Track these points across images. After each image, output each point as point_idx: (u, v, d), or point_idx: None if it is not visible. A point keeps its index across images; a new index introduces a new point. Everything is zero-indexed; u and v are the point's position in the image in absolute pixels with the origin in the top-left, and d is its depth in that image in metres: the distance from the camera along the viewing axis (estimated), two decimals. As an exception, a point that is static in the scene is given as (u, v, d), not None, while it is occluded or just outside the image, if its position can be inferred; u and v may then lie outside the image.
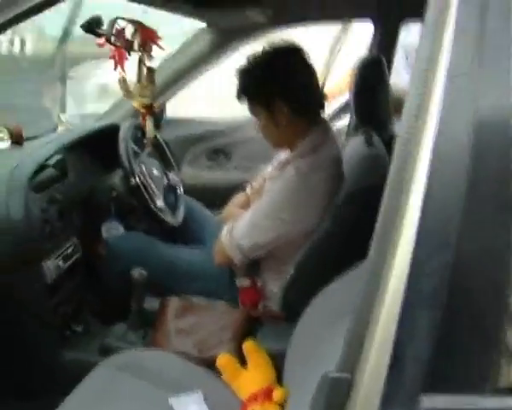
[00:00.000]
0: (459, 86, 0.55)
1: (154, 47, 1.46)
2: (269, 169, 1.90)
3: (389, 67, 1.82)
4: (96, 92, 4.04)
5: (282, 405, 1.21)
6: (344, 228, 1.55)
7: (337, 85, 2.77)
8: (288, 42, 1.66)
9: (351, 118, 2.14)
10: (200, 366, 1.38)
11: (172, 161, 2.09)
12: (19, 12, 0.89)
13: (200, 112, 3.67)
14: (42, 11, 0.98)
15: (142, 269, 1.57)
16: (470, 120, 0.55)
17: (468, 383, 0.55)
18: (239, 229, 1.61)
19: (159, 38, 1.42)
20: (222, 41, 1.93)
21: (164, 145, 2.06)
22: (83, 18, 1.44)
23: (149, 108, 1.47)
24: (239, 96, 1.65)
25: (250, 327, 1.57)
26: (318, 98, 1.65)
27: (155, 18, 1.73)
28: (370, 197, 1.54)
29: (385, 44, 1.83)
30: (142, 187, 1.74)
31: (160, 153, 2.04)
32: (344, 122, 2.28)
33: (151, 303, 1.68)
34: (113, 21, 1.29)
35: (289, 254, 1.62)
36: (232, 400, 1.31)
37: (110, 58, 1.41)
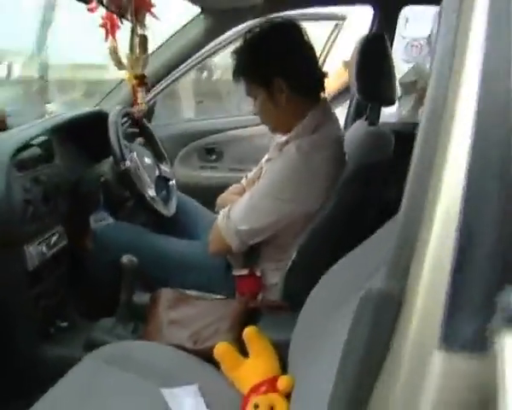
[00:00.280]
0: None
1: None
2: (265, 157, 1.82)
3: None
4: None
5: (287, 394, 1.09)
6: (348, 207, 1.47)
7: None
8: (285, 18, 1.59)
9: (350, 103, 2.08)
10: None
11: (164, 152, 1.99)
12: None
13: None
14: None
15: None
16: None
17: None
18: (237, 213, 1.51)
19: (153, 5, 1.33)
20: (217, 26, 1.86)
21: (155, 136, 1.96)
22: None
23: (141, 79, 1.38)
24: (235, 77, 1.57)
25: (249, 317, 1.45)
26: (318, 77, 1.57)
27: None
28: (375, 174, 1.48)
29: (384, 30, 1.78)
30: (133, 174, 1.63)
31: (152, 144, 1.94)
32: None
33: (141, 297, 1.56)
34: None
35: (289, 241, 1.53)
36: (231, 392, 1.20)
37: (101, 27, 1.32)
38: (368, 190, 1.48)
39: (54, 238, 1.51)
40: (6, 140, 1.44)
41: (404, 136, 1.79)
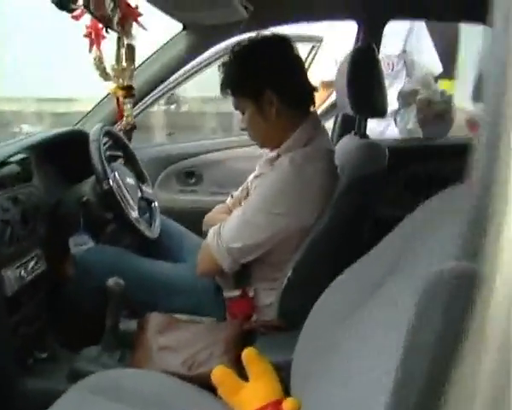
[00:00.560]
0: None
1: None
2: (251, 177, 1.78)
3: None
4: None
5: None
6: (343, 221, 1.43)
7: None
8: (273, 32, 1.57)
9: (336, 119, 2.07)
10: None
11: (146, 173, 1.92)
12: None
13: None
14: None
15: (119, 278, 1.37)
16: None
17: None
18: (228, 230, 1.45)
19: (140, 14, 1.29)
20: (200, 42, 1.83)
21: (136, 156, 1.89)
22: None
23: (128, 90, 1.32)
24: (223, 90, 1.53)
25: (244, 339, 1.38)
26: (308, 89, 1.55)
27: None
28: (370, 186, 1.45)
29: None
30: (116, 194, 1.55)
31: (133, 164, 1.87)
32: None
33: (127, 323, 1.47)
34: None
35: (284, 258, 1.47)
36: (231, 419, 1.11)
37: (85, 36, 1.26)
38: (363, 201, 1.46)
39: (32, 262, 1.41)
40: (-18, 158, 1.35)
41: (398, 148, 1.78)
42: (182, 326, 1.43)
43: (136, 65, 2.00)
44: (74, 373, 1.33)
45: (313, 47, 2.51)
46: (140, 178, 1.86)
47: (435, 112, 2.24)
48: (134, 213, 1.64)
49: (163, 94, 2.12)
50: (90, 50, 1.27)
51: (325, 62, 2.47)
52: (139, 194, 1.79)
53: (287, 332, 1.47)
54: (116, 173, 1.63)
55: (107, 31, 1.26)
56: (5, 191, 1.34)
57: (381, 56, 2.61)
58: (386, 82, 1.68)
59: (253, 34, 1.56)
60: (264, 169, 1.56)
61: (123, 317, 1.46)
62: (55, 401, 1.09)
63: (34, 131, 1.86)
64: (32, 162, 1.51)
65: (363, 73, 1.48)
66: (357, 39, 1.99)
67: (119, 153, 1.84)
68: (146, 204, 1.84)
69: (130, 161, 1.86)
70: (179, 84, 2.11)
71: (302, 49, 2.52)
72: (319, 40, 2.46)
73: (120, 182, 1.63)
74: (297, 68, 1.53)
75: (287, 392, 1.11)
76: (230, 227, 1.44)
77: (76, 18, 1.22)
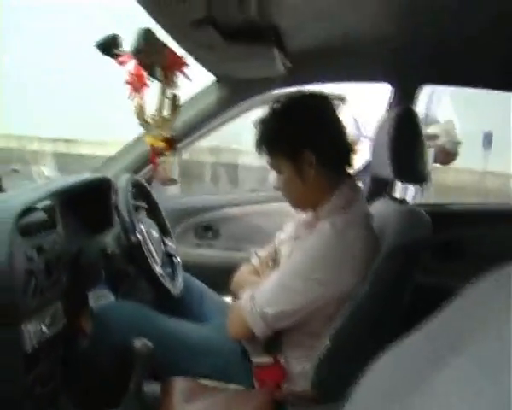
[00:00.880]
0: None
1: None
2: (279, 237, 1.71)
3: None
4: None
5: None
6: (384, 288, 1.36)
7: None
8: (312, 90, 1.54)
9: (365, 181, 2.03)
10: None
11: (169, 227, 1.85)
12: None
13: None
14: None
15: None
16: None
17: None
18: (263, 294, 1.36)
19: (186, 64, 1.25)
20: (232, 96, 1.80)
21: (160, 209, 1.83)
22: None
23: (171, 143, 1.26)
24: (259, 148, 1.47)
25: (276, 411, 1.28)
26: (347, 151, 1.50)
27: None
28: (412, 253, 1.39)
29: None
30: (143, 247, 1.48)
31: (157, 217, 1.80)
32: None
33: (150, 386, 1.36)
34: (144, 33, 1.11)
35: (320, 325, 1.38)
36: None
37: (127, 83, 1.22)
38: (405, 269, 1.38)
39: (53, 316, 1.31)
40: (8, 202, 1.28)
41: (438, 214, 1.73)
42: (209, 394, 1.33)
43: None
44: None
45: (337, 106, 2.50)
46: (163, 231, 1.79)
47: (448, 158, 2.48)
48: (158, 268, 1.56)
49: (188, 144, 2.07)
50: (131, 97, 1.22)
51: (347, 121, 2.45)
52: (162, 248, 1.72)
53: (321, 405, 1.37)
54: (142, 226, 1.56)
55: (150, 78, 1.22)
56: (30, 239, 1.26)
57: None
58: None
59: (287, 91, 1.53)
60: (300, 232, 1.49)
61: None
62: None
63: (55, 176, 1.79)
64: (57, 209, 1.44)
65: (406, 137, 1.44)
66: (391, 102, 1.97)
67: (143, 203, 1.77)
68: (169, 259, 1.76)
69: (154, 213, 1.79)
70: (205, 134, 2.06)
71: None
72: (343, 99, 2.45)
73: (146, 235, 1.55)
74: (337, 128, 1.48)
75: None
76: (266, 291, 1.36)
77: (122, 63, 1.19)
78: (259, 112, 2.16)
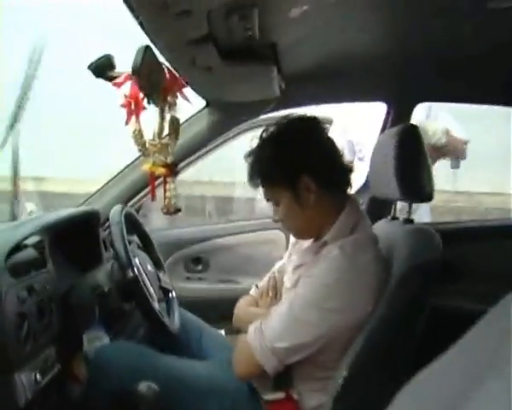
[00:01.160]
0: None
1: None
2: (277, 265, 1.64)
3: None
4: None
5: None
6: (400, 313, 1.29)
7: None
8: (300, 114, 1.48)
9: (364, 201, 1.98)
10: None
11: (161, 260, 1.76)
12: None
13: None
14: None
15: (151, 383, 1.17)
16: None
17: None
18: (272, 328, 1.27)
19: (185, 86, 1.19)
20: (223, 120, 1.74)
21: (153, 242, 1.73)
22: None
23: (171, 168, 1.18)
24: (252, 181, 1.39)
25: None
26: (345, 171, 1.44)
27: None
28: (427, 275, 1.33)
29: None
30: (140, 283, 1.38)
31: (149, 250, 1.71)
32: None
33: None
34: (144, 51, 1.04)
35: (334, 356, 1.30)
36: None
37: (122, 107, 1.15)
38: (420, 291, 1.32)
39: (46, 362, 1.20)
40: (-4, 240, 1.17)
41: (449, 233, 1.68)
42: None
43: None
44: None
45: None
46: (156, 264, 1.69)
47: (439, 153, 2.43)
48: (156, 304, 1.46)
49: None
50: (128, 122, 1.14)
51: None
52: (157, 282, 1.62)
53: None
54: (137, 259, 1.46)
55: (148, 102, 1.15)
56: (21, 279, 1.15)
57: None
58: None
59: (275, 116, 1.47)
60: (305, 259, 1.40)
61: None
62: None
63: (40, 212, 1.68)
64: (46, 246, 1.33)
65: (411, 154, 1.40)
66: (386, 121, 1.94)
67: (135, 236, 1.68)
68: (164, 294, 1.66)
69: (147, 246, 1.69)
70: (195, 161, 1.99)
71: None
72: (330, 122, 2.42)
73: (141, 269, 1.46)
74: (331, 149, 1.42)
75: None
76: (275, 325, 1.27)
77: (118, 85, 1.11)
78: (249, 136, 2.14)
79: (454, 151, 2.49)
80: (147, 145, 1.16)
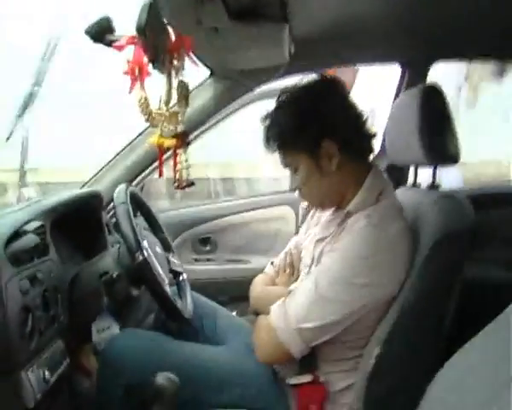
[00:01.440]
0: None
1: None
2: (293, 240, 1.54)
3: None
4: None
5: None
6: (433, 285, 1.20)
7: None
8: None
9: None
10: None
11: (170, 241, 1.66)
12: None
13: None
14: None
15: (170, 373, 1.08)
16: None
17: None
18: (298, 308, 1.17)
19: (193, 47, 1.07)
20: (229, 90, 1.63)
21: (160, 223, 1.63)
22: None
23: (182, 138, 1.07)
24: (269, 145, 1.28)
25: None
26: (369, 136, 1.33)
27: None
28: (460, 244, 1.23)
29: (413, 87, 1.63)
30: (150, 267, 1.28)
31: (157, 231, 1.60)
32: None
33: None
34: (148, 8, 0.93)
35: (361, 335, 1.22)
36: None
37: (125, 74, 1.03)
38: (453, 261, 1.23)
39: (55, 357, 1.11)
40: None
41: (480, 199, 1.59)
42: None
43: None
44: None
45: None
46: (165, 246, 1.59)
47: None
48: (168, 288, 1.36)
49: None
50: (131, 90, 1.03)
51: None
52: (167, 265, 1.52)
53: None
54: (145, 242, 1.36)
55: (153, 66, 1.03)
56: (22, 268, 1.05)
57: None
58: None
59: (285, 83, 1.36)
60: (328, 232, 1.30)
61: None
62: None
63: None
64: (47, 231, 1.23)
65: (435, 115, 1.29)
66: (401, 83, 1.83)
67: (138, 218, 1.57)
68: (174, 277, 1.56)
69: (154, 228, 1.59)
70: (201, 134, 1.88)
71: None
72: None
73: (150, 252, 1.36)
74: (355, 113, 1.31)
75: None
76: (300, 304, 1.18)
77: (119, 48, 1.00)
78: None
79: None
80: (153, 115, 1.04)
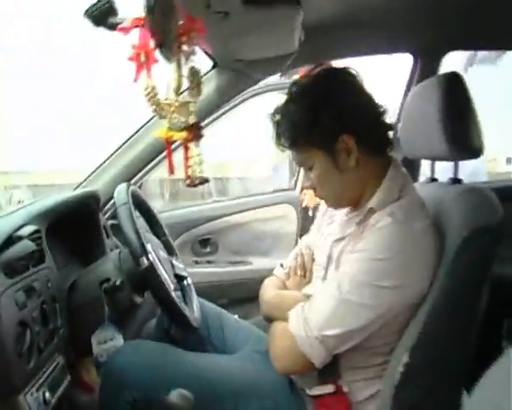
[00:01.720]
0: None
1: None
2: (304, 240, 1.45)
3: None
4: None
5: None
6: (462, 286, 1.12)
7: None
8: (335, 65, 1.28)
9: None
10: None
11: (173, 244, 1.55)
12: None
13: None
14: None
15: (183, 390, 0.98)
16: None
17: None
18: (319, 314, 1.08)
19: (204, 31, 0.97)
20: (234, 83, 1.54)
21: (162, 224, 1.53)
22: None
23: (194, 131, 0.97)
24: (280, 143, 1.19)
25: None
26: (386, 129, 1.24)
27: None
28: (491, 238, 1.15)
29: (425, 78, 1.55)
30: (156, 272, 1.19)
31: (159, 234, 1.50)
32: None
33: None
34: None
35: (385, 340, 1.13)
36: None
37: (130, 60, 0.93)
38: (483, 260, 1.14)
39: (55, 375, 1.00)
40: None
41: (505, 192, 1.51)
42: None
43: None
44: None
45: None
46: (168, 250, 1.49)
47: None
48: (174, 294, 1.26)
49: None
50: (137, 79, 0.92)
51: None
52: (171, 269, 1.42)
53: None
54: (149, 245, 1.26)
55: (161, 52, 0.93)
56: (17, 278, 0.94)
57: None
58: None
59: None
60: (347, 231, 1.21)
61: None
62: None
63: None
64: (43, 236, 1.12)
65: (458, 105, 1.20)
66: (413, 74, 1.76)
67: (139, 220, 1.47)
68: (179, 281, 1.46)
69: (156, 230, 1.49)
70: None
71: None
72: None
73: (155, 256, 1.26)
74: (372, 105, 1.22)
75: None
76: (322, 310, 1.09)
77: (125, 31, 0.89)
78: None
79: None
80: (162, 105, 0.94)
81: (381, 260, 1.06)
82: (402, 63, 1.91)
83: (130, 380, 1.14)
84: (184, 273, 1.49)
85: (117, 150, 1.65)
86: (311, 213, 2.31)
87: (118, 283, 1.20)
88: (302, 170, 2.53)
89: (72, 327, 1.16)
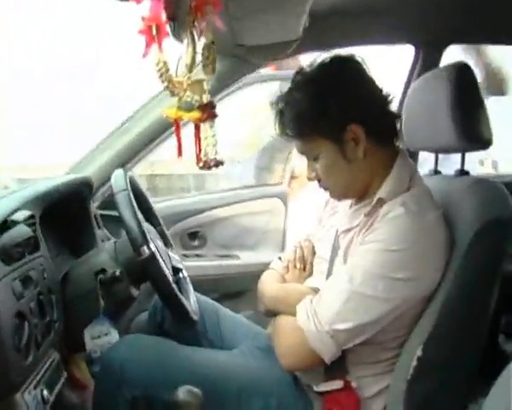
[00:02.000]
0: None
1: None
2: (305, 232, 1.41)
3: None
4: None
5: None
6: (474, 279, 1.09)
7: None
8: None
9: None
10: None
11: (168, 234, 1.49)
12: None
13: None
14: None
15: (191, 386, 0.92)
16: None
17: None
18: (330, 307, 1.05)
19: (220, 4, 0.91)
20: (233, 70, 1.49)
21: (157, 214, 1.47)
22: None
23: (208, 110, 0.91)
24: (284, 132, 1.15)
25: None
26: (394, 118, 1.21)
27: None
28: (503, 230, 1.13)
29: (427, 70, 1.53)
30: (156, 262, 1.12)
31: (155, 223, 1.44)
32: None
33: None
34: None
35: (398, 332, 1.10)
36: None
37: (140, 33, 0.86)
38: (493, 252, 1.12)
39: (52, 372, 0.93)
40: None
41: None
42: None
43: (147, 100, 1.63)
44: None
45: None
46: (164, 240, 1.43)
47: None
48: (175, 286, 1.20)
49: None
50: (146, 53, 0.86)
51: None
52: (169, 261, 1.36)
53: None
54: (147, 234, 1.19)
55: (173, 27, 0.87)
56: (14, 267, 0.87)
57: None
58: None
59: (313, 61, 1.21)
60: (354, 222, 1.17)
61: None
62: None
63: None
64: (37, 222, 1.05)
65: (467, 96, 1.18)
66: (414, 65, 1.75)
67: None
68: (176, 274, 1.40)
69: (152, 220, 1.42)
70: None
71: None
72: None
73: (154, 246, 1.19)
74: (379, 94, 1.18)
75: None
76: (332, 303, 1.05)
77: (138, 0, 0.83)
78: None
79: None
80: (174, 82, 0.88)
81: (395, 251, 1.03)
82: (399, 56, 1.90)
83: (130, 377, 1.08)
84: (180, 265, 1.43)
85: (110, 135, 1.58)
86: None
87: (117, 273, 1.13)
88: (290, 163, 2.55)
89: (65, 320, 1.09)
